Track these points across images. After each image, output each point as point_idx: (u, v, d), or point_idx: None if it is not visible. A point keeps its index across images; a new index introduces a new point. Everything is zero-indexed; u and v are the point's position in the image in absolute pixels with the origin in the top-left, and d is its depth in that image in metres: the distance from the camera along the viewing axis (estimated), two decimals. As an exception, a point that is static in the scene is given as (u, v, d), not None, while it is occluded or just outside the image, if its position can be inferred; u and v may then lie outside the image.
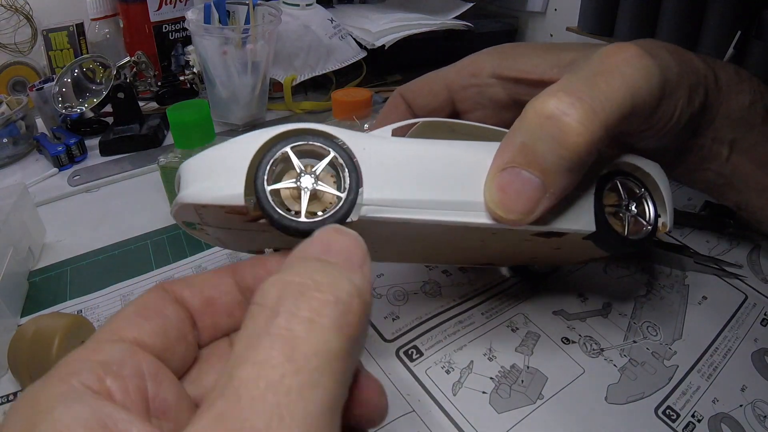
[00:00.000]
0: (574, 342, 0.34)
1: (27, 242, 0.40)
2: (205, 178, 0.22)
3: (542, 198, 0.23)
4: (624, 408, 0.30)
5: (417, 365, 0.32)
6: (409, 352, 0.33)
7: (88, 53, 0.71)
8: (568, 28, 0.73)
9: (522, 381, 0.31)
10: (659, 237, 0.28)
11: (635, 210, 0.27)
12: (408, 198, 0.22)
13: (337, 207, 0.21)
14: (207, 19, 0.60)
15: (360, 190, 0.21)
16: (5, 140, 0.56)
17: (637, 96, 0.24)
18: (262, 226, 0.22)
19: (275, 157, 0.21)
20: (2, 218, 0.37)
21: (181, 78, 0.68)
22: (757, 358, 0.33)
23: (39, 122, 0.62)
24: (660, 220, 0.28)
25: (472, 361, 0.32)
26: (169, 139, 0.62)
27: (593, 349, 0.33)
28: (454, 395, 0.30)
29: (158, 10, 0.70)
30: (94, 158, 0.58)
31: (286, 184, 0.21)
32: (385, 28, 0.72)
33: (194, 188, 0.22)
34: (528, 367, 0.32)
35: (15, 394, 0.31)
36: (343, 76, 0.74)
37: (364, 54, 0.72)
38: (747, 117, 0.31)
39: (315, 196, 0.21)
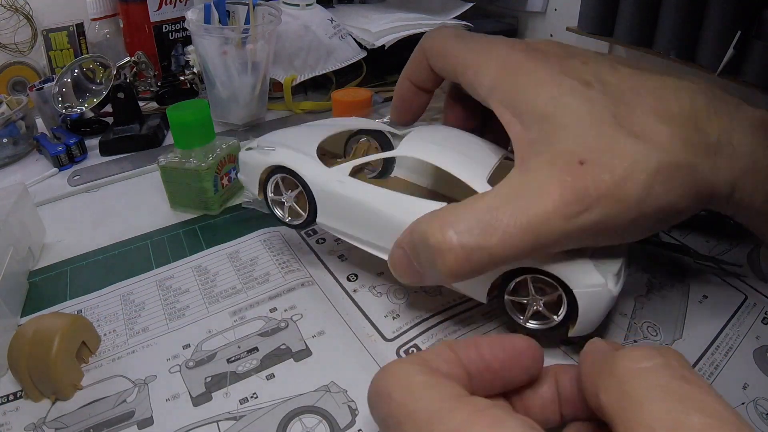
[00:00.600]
0: (574, 342, 0.34)
1: (27, 242, 0.40)
2: (245, 175, 0.38)
3: (422, 278, 0.28)
4: (625, 407, 0.30)
5: (417, 365, 0.32)
6: (410, 351, 0.33)
7: (88, 53, 0.71)
8: (568, 28, 0.73)
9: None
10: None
11: (542, 306, 0.30)
12: (343, 230, 0.34)
13: (302, 220, 0.35)
14: (207, 19, 0.60)
15: (316, 216, 0.34)
16: (5, 140, 0.56)
17: (541, 235, 0.25)
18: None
19: (273, 180, 0.36)
20: (2, 218, 0.37)
21: (181, 78, 0.68)
22: (759, 355, 0.33)
23: (39, 122, 0.62)
24: (571, 325, 0.29)
25: (472, 361, 0.32)
26: (169, 139, 0.62)
27: (594, 349, 0.33)
28: (455, 395, 0.30)
29: (158, 10, 0.70)
30: (94, 158, 0.58)
31: (274, 197, 0.36)
32: (385, 28, 0.72)
33: (241, 176, 0.38)
34: (528, 367, 0.32)
35: (15, 394, 0.31)
36: (343, 76, 0.74)
37: (364, 54, 0.72)
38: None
39: (292, 209, 0.36)
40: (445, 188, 0.39)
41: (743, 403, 0.30)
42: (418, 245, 0.27)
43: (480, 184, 0.30)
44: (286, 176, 0.34)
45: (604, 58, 0.30)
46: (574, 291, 0.28)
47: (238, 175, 0.38)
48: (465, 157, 0.32)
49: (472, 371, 0.22)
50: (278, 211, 0.36)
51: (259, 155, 0.35)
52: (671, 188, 0.25)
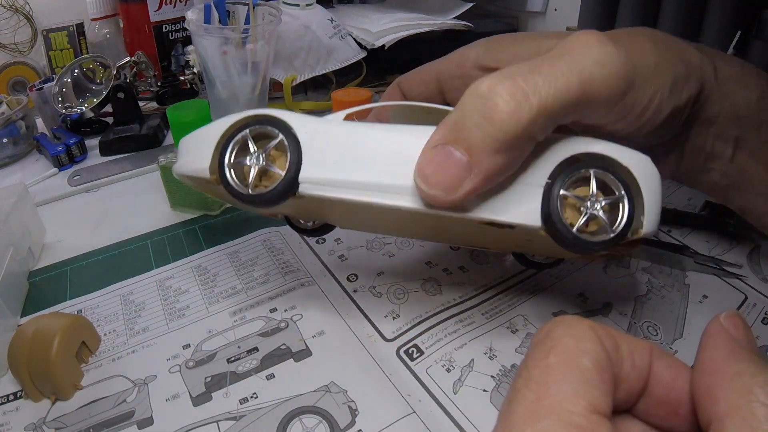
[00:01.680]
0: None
1: (27, 242, 0.40)
2: (187, 155, 0.28)
3: (466, 177, 0.22)
4: (625, 407, 0.30)
5: (417, 364, 0.32)
6: (410, 351, 0.33)
7: (88, 53, 0.71)
8: (568, 28, 0.73)
9: (522, 381, 0.31)
10: (639, 237, 0.24)
11: (601, 207, 0.23)
12: (341, 179, 0.25)
13: (277, 183, 0.25)
14: (207, 19, 0.60)
15: (299, 171, 0.25)
16: (5, 140, 0.56)
17: (588, 82, 0.23)
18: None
19: (236, 139, 0.26)
20: (2, 218, 0.37)
21: (181, 78, 0.68)
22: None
23: (39, 122, 0.62)
24: (636, 224, 0.24)
25: (472, 360, 0.32)
26: (169, 139, 0.62)
27: (594, 349, 0.33)
28: (455, 393, 0.30)
29: (158, 10, 0.70)
30: (94, 158, 0.58)
31: (239, 160, 0.26)
32: (385, 28, 0.72)
33: (180, 161, 0.29)
34: (528, 367, 0.32)
35: (15, 394, 0.31)
36: (343, 76, 0.74)
37: (364, 54, 0.72)
38: (754, 114, 0.29)
39: (266, 173, 0.26)
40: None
41: (743, 403, 0.30)
42: (468, 107, 0.23)
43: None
44: (260, 128, 0.26)
45: None
46: (631, 169, 0.23)
47: (179, 157, 0.29)
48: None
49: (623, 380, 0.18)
50: (237, 181, 0.26)
51: (215, 122, 0.27)
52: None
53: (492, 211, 0.24)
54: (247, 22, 0.61)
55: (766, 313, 0.36)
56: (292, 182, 0.25)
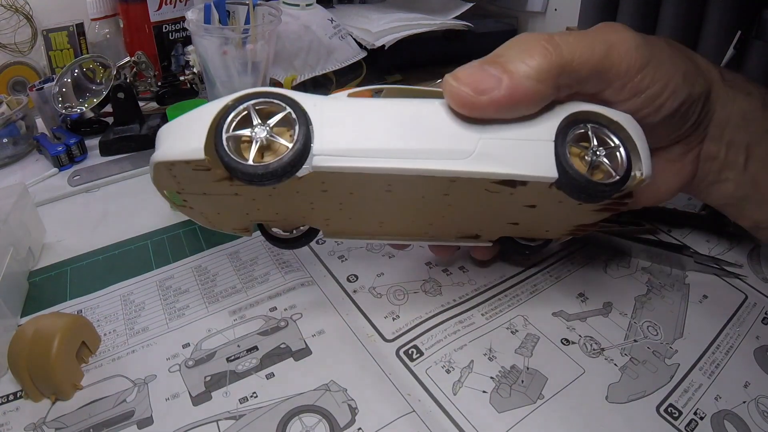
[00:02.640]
0: (574, 343, 0.34)
1: (27, 242, 0.40)
2: (173, 139, 0.25)
3: (495, 88, 0.25)
4: (625, 407, 0.30)
5: (417, 365, 0.32)
6: (409, 352, 0.33)
7: (88, 53, 0.71)
8: (568, 28, 0.73)
9: (522, 381, 0.31)
10: (632, 188, 0.27)
11: (603, 155, 0.26)
12: (357, 147, 0.24)
13: (285, 154, 0.24)
14: (207, 19, 0.60)
15: (311, 142, 0.24)
16: (5, 140, 0.56)
17: (611, 49, 0.27)
18: (232, 187, 0.26)
19: (236, 111, 0.24)
20: (2, 218, 0.37)
21: (181, 78, 0.68)
22: (760, 354, 0.33)
23: (39, 122, 0.62)
24: (635, 171, 0.26)
25: (472, 361, 0.32)
26: (169, 139, 0.62)
27: (593, 349, 0.33)
28: (455, 395, 0.30)
29: (158, 10, 0.70)
30: (94, 158, 0.58)
31: (240, 132, 0.24)
32: (385, 28, 0.72)
33: (163, 148, 0.25)
34: (528, 368, 0.32)
35: (15, 394, 0.31)
36: (343, 76, 0.74)
37: (364, 54, 0.72)
38: (760, 120, 0.31)
39: (269, 147, 0.24)
40: None
41: (744, 402, 0.30)
42: (510, 42, 0.27)
43: None
44: (264, 102, 0.25)
45: None
46: (622, 123, 0.26)
47: (159, 143, 0.26)
48: None
49: None
50: (235, 157, 0.24)
51: (207, 104, 0.25)
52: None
53: (508, 167, 0.25)
54: (247, 22, 0.61)
55: (766, 313, 0.36)
56: (301, 153, 0.24)
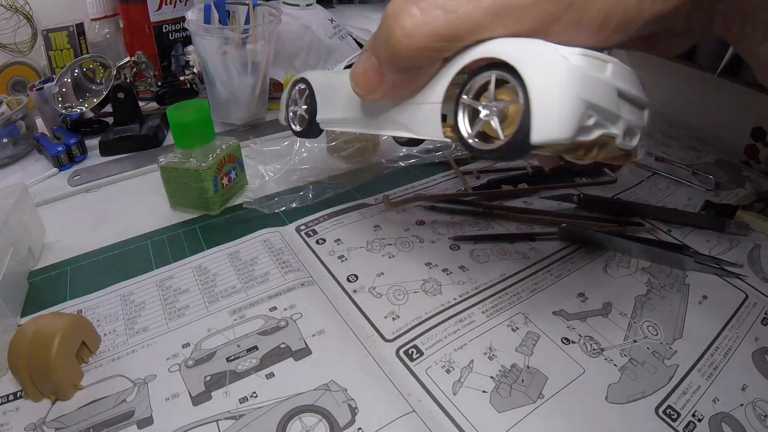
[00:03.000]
0: (574, 342, 0.34)
1: (27, 242, 0.40)
2: (282, 100, 0.41)
3: (379, 84, 0.25)
4: (624, 407, 0.30)
5: (417, 365, 0.32)
6: (409, 352, 0.33)
7: (88, 53, 0.71)
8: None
9: (522, 380, 0.31)
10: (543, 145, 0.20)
11: (497, 112, 0.22)
12: (329, 117, 0.35)
13: (305, 122, 0.37)
14: (207, 19, 0.60)
15: (315, 113, 0.36)
16: (5, 140, 0.56)
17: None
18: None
19: (293, 90, 0.39)
20: (2, 218, 0.37)
21: (181, 78, 0.68)
22: (758, 357, 0.33)
23: (39, 122, 0.62)
24: (533, 130, 0.20)
25: (472, 360, 0.32)
26: (169, 139, 0.62)
27: (593, 349, 0.33)
28: (455, 394, 0.30)
29: (158, 10, 0.70)
30: (94, 158, 0.58)
31: (293, 108, 0.39)
32: (385, 28, 0.72)
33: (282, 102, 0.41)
34: (528, 367, 0.32)
35: (15, 394, 0.31)
36: (343, 76, 0.74)
37: (364, 54, 0.72)
38: None
39: (301, 116, 0.38)
40: None
41: (742, 405, 0.30)
42: (381, 22, 0.24)
43: None
44: (299, 86, 0.38)
45: None
46: (518, 68, 0.20)
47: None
48: None
49: None
50: (292, 123, 0.39)
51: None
52: None
53: (410, 130, 0.27)
54: (247, 22, 0.61)
55: (766, 313, 0.36)
56: (313, 122, 0.36)
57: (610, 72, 0.22)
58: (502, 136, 0.22)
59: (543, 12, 0.21)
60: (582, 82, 0.20)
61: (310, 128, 0.37)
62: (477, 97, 0.23)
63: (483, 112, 0.22)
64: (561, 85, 0.19)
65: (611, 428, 0.28)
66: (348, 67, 0.34)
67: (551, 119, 0.20)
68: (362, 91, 0.26)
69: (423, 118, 0.26)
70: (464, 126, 0.24)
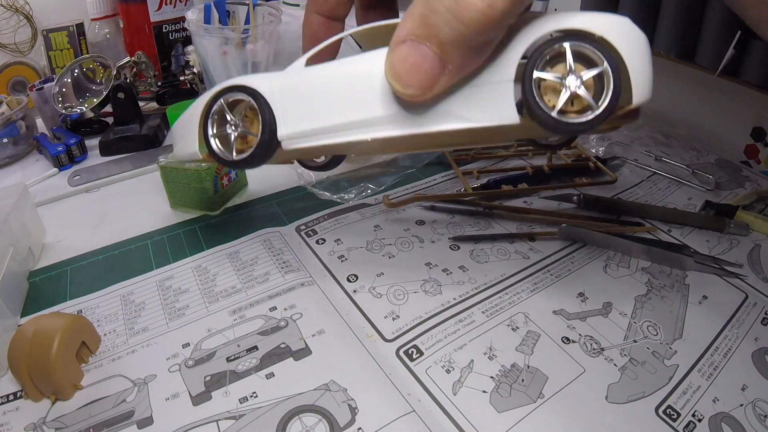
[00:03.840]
0: (574, 341, 0.34)
1: (27, 242, 0.40)
2: (179, 139, 0.31)
3: (441, 74, 0.21)
4: (625, 407, 0.30)
5: (417, 365, 0.32)
6: (409, 352, 0.33)
7: (88, 53, 0.71)
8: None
9: (522, 380, 0.31)
10: (633, 108, 0.22)
11: (583, 83, 0.22)
12: (318, 126, 0.26)
13: (253, 147, 0.27)
14: (207, 20, 0.60)
15: (275, 129, 0.26)
16: (5, 140, 0.56)
17: None
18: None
19: (213, 110, 0.28)
20: (2, 218, 0.37)
21: (181, 78, 0.68)
22: (758, 357, 0.33)
23: (39, 122, 0.62)
24: (625, 95, 0.22)
25: (472, 360, 0.32)
26: (169, 139, 0.62)
27: (593, 349, 0.33)
28: (455, 394, 0.30)
29: (158, 10, 0.70)
30: (94, 158, 0.58)
31: (221, 130, 0.28)
32: (385, 28, 0.72)
33: (176, 149, 0.32)
34: (528, 367, 0.32)
35: (15, 394, 0.31)
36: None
37: (364, 54, 0.72)
38: None
39: (244, 137, 0.28)
40: None
41: (742, 405, 0.30)
42: (432, 3, 0.21)
43: None
44: (231, 96, 0.28)
45: None
46: (610, 40, 0.21)
47: (174, 144, 0.32)
48: None
49: None
50: (223, 149, 0.28)
51: (195, 102, 0.30)
52: None
53: (465, 120, 0.23)
54: (247, 22, 0.61)
55: (766, 313, 0.36)
56: (269, 143, 0.27)
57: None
58: (595, 105, 0.21)
59: None
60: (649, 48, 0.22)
61: (265, 151, 0.27)
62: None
63: (570, 84, 0.22)
64: (647, 54, 0.22)
65: (611, 428, 0.28)
66: (310, 62, 0.27)
67: (643, 83, 0.22)
68: (417, 90, 0.22)
69: (489, 102, 0.23)
70: (544, 103, 0.22)
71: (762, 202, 0.47)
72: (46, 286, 0.39)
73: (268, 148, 0.27)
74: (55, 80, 0.60)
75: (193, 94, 0.68)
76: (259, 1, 0.62)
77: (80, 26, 0.71)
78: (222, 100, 0.28)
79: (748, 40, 0.48)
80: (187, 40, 0.72)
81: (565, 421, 0.29)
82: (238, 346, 0.33)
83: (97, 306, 0.37)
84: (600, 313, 0.36)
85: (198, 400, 0.30)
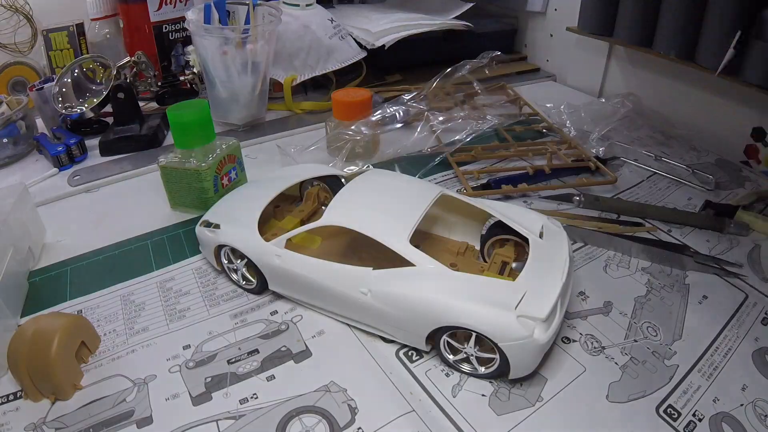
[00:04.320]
0: (575, 341, 0.34)
1: (27, 242, 0.40)
2: (202, 248, 0.41)
3: None
4: (625, 406, 0.30)
5: (417, 366, 0.32)
6: (409, 353, 0.33)
7: (88, 53, 0.71)
8: (568, 28, 0.73)
9: (521, 384, 0.31)
10: None
11: (474, 355, 0.30)
12: (293, 297, 0.36)
13: (253, 286, 0.38)
14: (207, 20, 0.60)
15: (267, 283, 0.37)
16: (5, 140, 0.56)
17: None
18: None
19: (224, 250, 0.38)
20: (2, 218, 0.37)
21: (181, 78, 0.68)
22: (758, 357, 0.33)
23: (39, 122, 0.62)
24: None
25: (472, 361, 0.32)
26: (169, 139, 0.62)
27: (594, 348, 0.33)
28: (454, 397, 0.30)
29: (158, 10, 0.70)
30: (94, 158, 0.58)
31: (229, 264, 0.38)
32: (385, 28, 0.72)
33: (202, 251, 0.41)
34: (528, 367, 0.32)
35: (15, 394, 0.31)
36: (343, 76, 0.74)
37: (364, 54, 0.72)
38: None
39: (245, 275, 0.38)
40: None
41: (742, 405, 0.30)
42: None
43: (401, 246, 0.32)
44: (234, 249, 0.37)
45: None
46: (500, 345, 0.29)
47: (200, 248, 0.41)
48: (389, 217, 0.34)
49: None
50: (234, 277, 0.38)
51: (208, 233, 0.38)
52: None
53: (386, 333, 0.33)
54: (247, 22, 0.61)
55: (766, 313, 0.36)
56: (264, 288, 0.37)
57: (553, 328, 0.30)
58: (482, 371, 0.31)
59: None
60: (543, 349, 0.30)
61: (263, 291, 0.38)
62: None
63: (466, 351, 0.31)
64: (532, 357, 0.30)
65: (612, 427, 0.28)
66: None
67: (524, 371, 0.30)
68: None
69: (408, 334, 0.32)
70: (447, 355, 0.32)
71: (762, 202, 0.47)
72: (46, 286, 0.39)
73: (264, 290, 0.38)
74: (55, 80, 0.60)
75: (193, 93, 0.68)
76: (259, 1, 0.62)
77: (80, 26, 0.71)
78: (228, 249, 0.38)
79: (748, 40, 0.48)
80: (187, 40, 0.72)
81: (565, 420, 0.29)
82: (239, 349, 0.33)
83: (97, 306, 0.37)
84: (601, 312, 0.36)
85: (198, 400, 0.30)
